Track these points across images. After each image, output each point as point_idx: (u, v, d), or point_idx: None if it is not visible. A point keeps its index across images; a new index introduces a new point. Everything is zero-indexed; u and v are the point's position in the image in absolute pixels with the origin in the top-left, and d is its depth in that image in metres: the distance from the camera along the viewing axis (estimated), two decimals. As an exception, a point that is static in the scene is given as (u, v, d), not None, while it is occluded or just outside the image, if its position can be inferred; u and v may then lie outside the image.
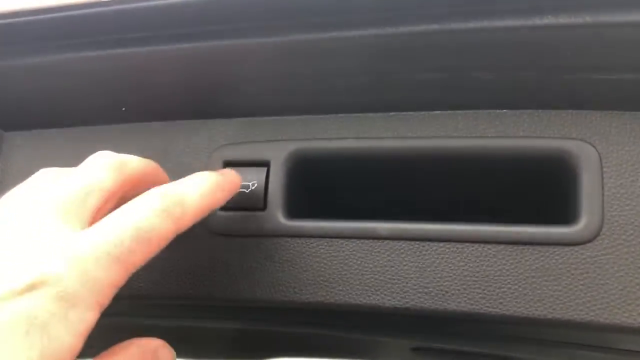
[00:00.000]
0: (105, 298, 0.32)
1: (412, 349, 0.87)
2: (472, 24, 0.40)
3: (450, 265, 0.43)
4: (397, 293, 0.43)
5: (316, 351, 1.00)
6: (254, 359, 1.05)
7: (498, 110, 0.45)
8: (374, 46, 0.41)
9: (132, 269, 0.33)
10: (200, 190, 0.38)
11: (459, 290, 0.42)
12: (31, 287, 0.30)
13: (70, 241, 0.32)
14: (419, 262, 0.43)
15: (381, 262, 0.44)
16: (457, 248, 0.43)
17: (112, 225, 0.33)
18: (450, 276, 0.43)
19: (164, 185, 0.38)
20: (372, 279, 0.44)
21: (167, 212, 0.35)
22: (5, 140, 0.55)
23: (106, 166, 0.38)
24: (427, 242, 0.43)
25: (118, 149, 0.43)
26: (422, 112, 0.46)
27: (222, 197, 0.40)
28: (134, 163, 0.39)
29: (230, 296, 0.46)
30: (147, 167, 0.40)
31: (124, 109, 0.50)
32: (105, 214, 0.35)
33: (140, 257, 0.33)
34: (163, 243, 0.35)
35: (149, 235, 0.34)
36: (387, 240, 0.44)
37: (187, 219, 0.37)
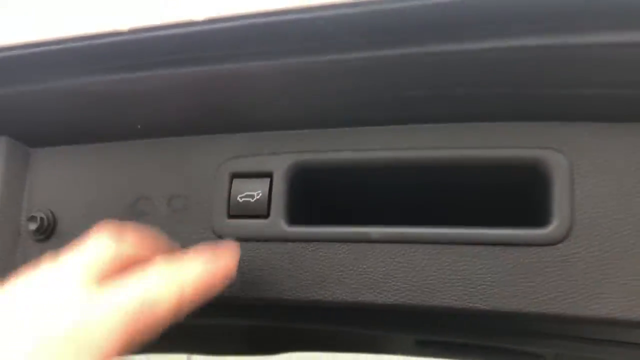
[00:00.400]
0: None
1: (417, 342, 0.91)
2: (453, 47, 0.44)
3: (435, 265, 0.47)
4: (388, 291, 0.48)
5: (326, 346, 1.05)
6: (266, 353, 1.09)
7: (478, 123, 0.49)
8: (366, 67, 0.46)
9: (137, 337, 0.38)
10: (201, 277, 0.42)
11: (443, 287, 0.47)
12: None
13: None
14: (407, 263, 0.48)
15: (373, 263, 0.48)
16: (441, 249, 0.47)
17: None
18: (435, 275, 0.47)
19: (167, 268, 0.42)
20: (366, 279, 0.48)
21: (171, 290, 0.40)
22: (31, 156, 0.60)
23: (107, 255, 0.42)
24: (414, 244, 0.48)
25: (133, 164, 0.48)
26: (410, 125, 0.51)
27: (219, 281, 0.44)
28: (128, 248, 0.43)
29: (238, 295, 0.51)
30: (143, 245, 0.44)
31: (139, 126, 0.55)
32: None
33: (143, 327, 0.38)
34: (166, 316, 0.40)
35: (153, 308, 0.38)
36: (379, 244, 0.49)
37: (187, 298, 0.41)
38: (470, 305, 0.46)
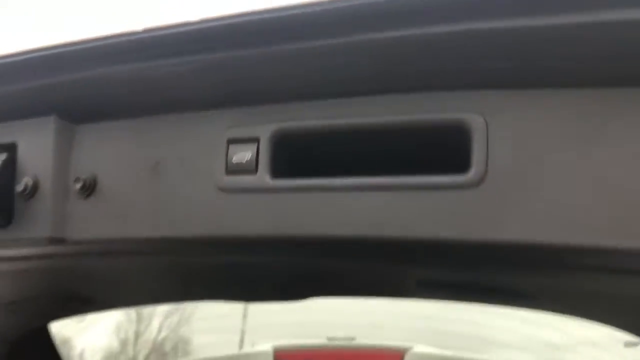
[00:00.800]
0: None
1: (418, 283, 1.05)
2: (399, 32, 0.57)
3: (386, 204, 0.60)
4: (348, 224, 0.61)
5: (342, 291, 1.21)
6: (292, 300, 1.25)
7: (420, 93, 0.62)
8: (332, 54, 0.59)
9: None
10: None
11: (393, 221, 0.60)
12: None
13: None
14: (364, 205, 0.61)
15: (336, 206, 0.62)
16: (390, 194, 0.60)
17: None
18: (386, 212, 0.60)
19: None
20: (332, 217, 0.62)
21: None
22: (75, 131, 0.75)
23: None
24: (368, 191, 0.61)
25: (153, 135, 0.63)
26: (369, 97, 0.63)
27: None
28: None
29: (235, 233, 0.65)
30: None
31: (165, 104, 0.70)
32: None
33: None
34: None
35: None
36: (341, 191, 0.62)
37: None
38: (409, 234, 0.59)
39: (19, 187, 0.72)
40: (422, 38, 0.57)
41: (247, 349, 1.89)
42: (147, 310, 2.63)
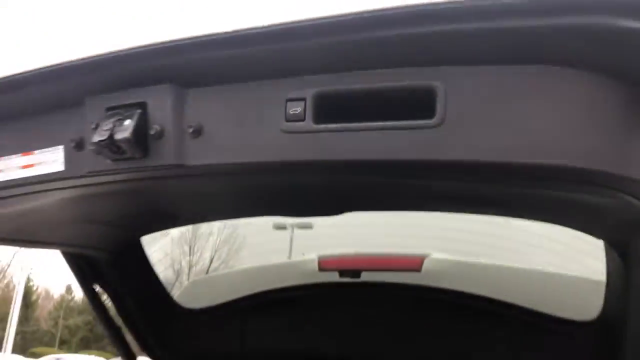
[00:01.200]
0: None
1: (433, 198, 1.43)
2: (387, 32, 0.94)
3: (383, 137, 0.98)
4: (363, 151, 0.99)
5: (372, 206, 1.61)
6: (328, 214, 1.65)
7: (404, 68, 0.98)
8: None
9: None
10: None
11: (388, 147, 0.98)
12: None
13: None
14: (369, 138, 0.99)
15: (355, 138, 1.00)
16: (385, 131, 0.98)
17: None
18: (384, 141, 0.98)
19: None
20: (353, 146, 1.00)
21: None
22: (185, 94, 1.14)
23: None
24: (372, 131, 0.99)
25: (244, 95, 1.03)
26: (370, 70, 1.00)
27: None
28: None
29: (290, 159, 1.04)
30: None
31: (246, 74, 1.08)
32: None
33: None
34: None
35: None
36: (357, 131, 1.00)
37: None
38: (404, 157, 0.97)
39: (151, 132, 1.12)
40: (408, 37, 0.94)
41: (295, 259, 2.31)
42: (198, 243, 2.99)
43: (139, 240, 2.08)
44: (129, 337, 2.19)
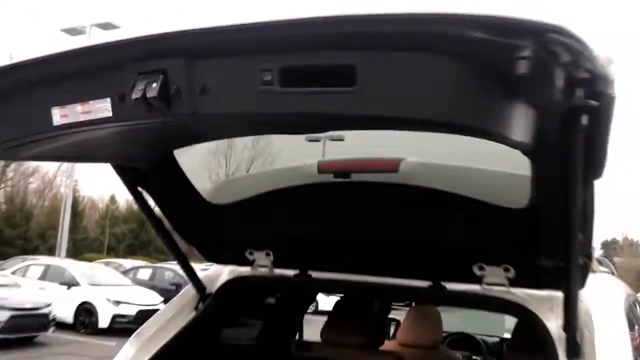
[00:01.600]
0: None
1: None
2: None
3: (319, 100, 1.46)
4: (308, 105, 1.48)
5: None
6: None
7: (334, 51, 1.44)
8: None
9: None
10: None
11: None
12: None
13: None
14: (309, 99, 1.48)
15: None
16: (319, 95, 1.46)
17: None
18: (320, 106, 1.47)
19: None
20: (308, 102, 1.49)
21: None
22: (195, 65, 1.63)
23: None
24: (315, 95, 1.47)
25: (247, 66, 1.53)
26: (312, 52, 1.47)
27: None
28: None
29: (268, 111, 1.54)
30: None
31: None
32: None
33: None
34: None
35: None
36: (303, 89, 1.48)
37: None
38: (335, 112, 1.46)
39: (171, 90, 1.63)
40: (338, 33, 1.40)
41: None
42: (234, 156, 3.30)
43: (172, 153, 2.63)
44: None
